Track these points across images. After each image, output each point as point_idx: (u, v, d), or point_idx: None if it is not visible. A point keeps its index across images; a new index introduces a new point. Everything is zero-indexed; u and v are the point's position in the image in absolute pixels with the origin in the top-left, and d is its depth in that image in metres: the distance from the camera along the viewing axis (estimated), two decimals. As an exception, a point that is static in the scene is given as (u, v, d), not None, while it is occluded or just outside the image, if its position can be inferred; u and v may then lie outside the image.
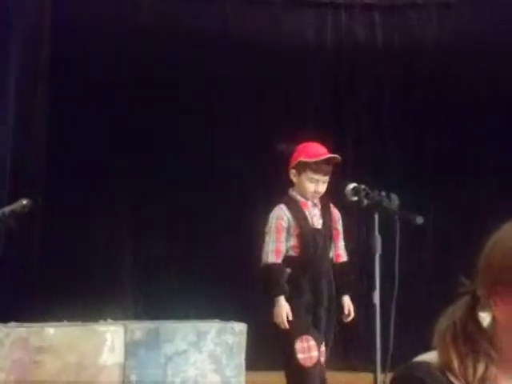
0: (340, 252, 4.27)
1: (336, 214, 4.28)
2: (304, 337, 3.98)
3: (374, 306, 3.40)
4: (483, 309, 1.33)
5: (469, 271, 1.39)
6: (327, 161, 4.12)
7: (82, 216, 5.98)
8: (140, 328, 4.16)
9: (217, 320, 4.38)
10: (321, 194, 4.18)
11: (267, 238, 4.12)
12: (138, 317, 4.79)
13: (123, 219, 6.15)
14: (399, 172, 5.82)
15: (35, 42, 6.06)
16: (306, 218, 4.14)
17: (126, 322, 4.24)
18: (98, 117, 6.01)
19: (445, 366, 1.31)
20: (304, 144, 4.24)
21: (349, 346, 6.05)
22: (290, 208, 4.13)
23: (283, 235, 4.10)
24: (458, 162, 5.95)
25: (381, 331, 3.45)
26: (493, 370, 1.30)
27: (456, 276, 1.39)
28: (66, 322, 4.21)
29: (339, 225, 4.28)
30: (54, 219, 5.87)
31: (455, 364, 1.30)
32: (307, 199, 4.16)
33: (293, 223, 4.09)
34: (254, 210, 5.77)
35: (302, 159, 4.12)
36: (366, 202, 3.58)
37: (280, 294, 4.05)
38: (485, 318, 1.34)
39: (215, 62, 6.21)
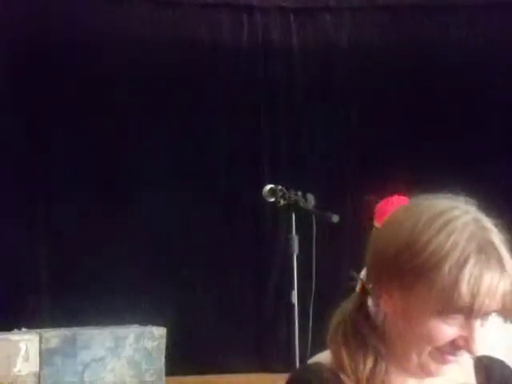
0: None
1: None
2: None
3: (292, 305, 3.40)
4: (373, 303, 1.31)
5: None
6: None
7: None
8: (56, 336, 4.09)
9: (136, 325, 4.34)
10: None
11: None
12: (55, 324, 4.68)
13: (37, 224, 6.01)
14: (318, 171, 5.88)
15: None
16: None
17: (42, 331, 4.16)
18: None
19: (337, 365, 1.29)
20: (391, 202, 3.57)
21: (268, 347, 6.06)
22: None
23: None
24: (377, 163, 6.03)
25: (299, 330, 3.46)
26: (382, 364, 1.28)
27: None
28: (-23, 333, 4.10)
29: None
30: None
31: (346, 361, 1.28)
32: None
33: None
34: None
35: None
36: (282, 202, 3.58)
37: None
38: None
39: (133, 63, 6.15)
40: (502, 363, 1.42)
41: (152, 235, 6.01)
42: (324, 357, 1.33)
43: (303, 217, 3.59)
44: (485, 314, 1.24)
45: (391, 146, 5.98)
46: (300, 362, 3.48)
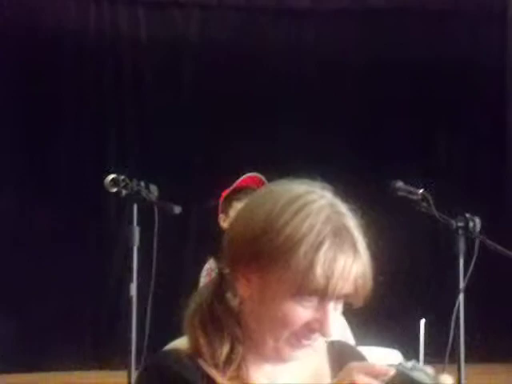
0: None
1: None
2: None
3: (130, 298, 3.31)
4: (230, 287, 1.31)
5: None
6: (251, 184, 3.55)
7: None
8: None
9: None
10: None
11: None
12: None
13: None
14: (162, 162, 5.86)
15: None
16: None
17: None
18: None
19: (194, 350, 1.29)
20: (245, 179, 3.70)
21: (102, 343, 5.93)
22: (219, 262, 3.45)
23: None
24: (225, 154, 6.05)
25: (137, 325, 3.37)
26: (239, 349, 1.29)
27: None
28: None
29: None
30: None
31: (203, 347, 1.28)
32: None
33: None
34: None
35: (225, 195, 3.65)
36: (124, 192, 3.49)
37: None
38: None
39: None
40: (352, 348, 1.47)
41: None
42: (181, 343, 1.32)
43: (146, 208, 3.51)
44: (338, 297, 1.26)
45: (240, 137, 6.04)
46: (137, 357, 3.39)
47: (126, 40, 6.54)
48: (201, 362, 1.27)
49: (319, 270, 1.21)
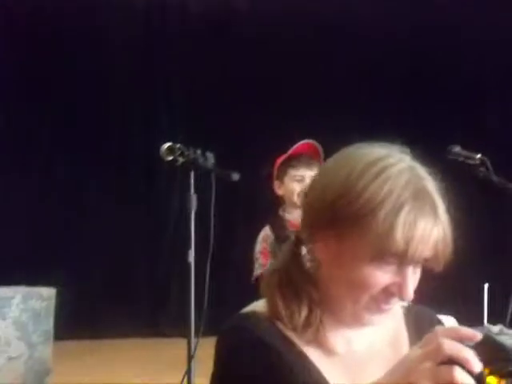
0: None
1: None
2: None
3: (189, 264, 3.32)
4: (308, 252, 1.31)
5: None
6: (306, 151, 3.60)
7: None
8: None
9: (22, 285, 4.17)
10: None
11: (256, 264, 3.61)
12: None
13: None
14: (216, 129, 5.86)
15: None
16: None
17: None
18: None
19: (272, 314, 1.29)
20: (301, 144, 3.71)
21: (158, 310, 5.97)
22: (275, 229, 3.60)
23: (270, 260, 3.56)
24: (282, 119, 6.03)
25: (195, 292, 3.38)
26: (317, 313, 1.28)
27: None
28: None
29: None
30: None
31: (281, 311, 1.28)
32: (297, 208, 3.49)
33: (276, 246, 3.52)
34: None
35: (280, 161, 3.67)
36: (181, 160, 3.49)
37: None
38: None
39: None
40: (429, 312, 1.45)
41: (41, 194, 5.83)
42: (257, 306, 1.32)
43: (202, 175, 3.51)
44: (418, 261, 1.24)
45: (294, 105, 6.01)
46: (195, 324, 3.40)
47: (175, 11, 6.53)
48: (279, 325, 1.28)
49: (399, 234, 1.20)
